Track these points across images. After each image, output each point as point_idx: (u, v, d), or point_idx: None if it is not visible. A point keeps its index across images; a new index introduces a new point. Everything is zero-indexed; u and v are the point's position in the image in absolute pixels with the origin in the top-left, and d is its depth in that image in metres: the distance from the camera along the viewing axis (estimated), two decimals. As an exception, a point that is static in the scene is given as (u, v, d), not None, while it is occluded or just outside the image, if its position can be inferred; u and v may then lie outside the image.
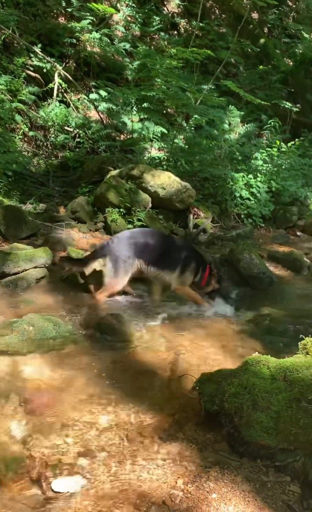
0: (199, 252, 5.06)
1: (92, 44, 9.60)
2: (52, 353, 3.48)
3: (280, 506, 2.10)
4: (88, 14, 9.41)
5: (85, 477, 2.23)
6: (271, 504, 2.10)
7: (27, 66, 8.43)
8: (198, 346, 3.86)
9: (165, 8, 13.10)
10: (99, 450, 2.43)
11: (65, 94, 8.81)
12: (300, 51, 13.87)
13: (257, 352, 2.92)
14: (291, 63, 14.02)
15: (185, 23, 13.22)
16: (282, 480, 2.26)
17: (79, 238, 5.94)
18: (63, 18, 10.24)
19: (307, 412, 2.30)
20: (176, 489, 2.15)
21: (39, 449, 2.40)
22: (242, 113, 11.23)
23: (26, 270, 4.76)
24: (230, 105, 10.91)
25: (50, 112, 8.30)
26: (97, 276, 4.72)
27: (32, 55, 8.59)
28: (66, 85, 8.67)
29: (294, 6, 16.48)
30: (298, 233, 8.50)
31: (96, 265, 4.67)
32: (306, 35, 15.20)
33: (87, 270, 4.68)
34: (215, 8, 14.50)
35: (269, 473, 2.30)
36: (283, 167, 9.25)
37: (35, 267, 4.84)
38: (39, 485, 2.17)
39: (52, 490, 2.14)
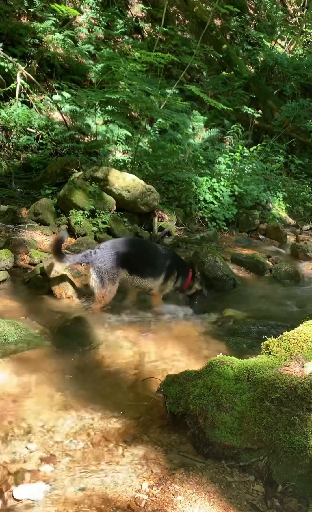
0: (180, 258, 5.16)
1: (55, 45, 9.52)
2: (14, 357, 3.39)
3: (245, 506, 2.11)
4: (51, 14, 9.32)
5: (48, 483, 2.18)
6: (235, 504, 2.11)
7: (-13, 66, 8.26)
8: (163, 349, 3.86)
9: (129, 12, 13.14)
10: (63, 456, 2.38)
11: (27, 95, 8.67)
12: (261, 59, 14.21)
13: (221, 353, 2.95)
14: (253, 70, 14.32)
15: (148, 27, 13.29)
16: (246, 480, 2.28)
17: (42, 241, 5.84)
18: (25, 18, 10.11)
19: (270, 411, 2.32)
20: (141, 493, 2.13)
21: (0, 456, 2.33)
22: (205, 118, 11.38)
23: (-14, 273, 4.65)
24: (194, 110, 11.05)
25: (12, 112, 8.14)
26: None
27: (-7, 55, 8.42)
28: (29, 85, 8.54)
29: (255, 14, 16.87)
30: (260, 237, 8.67)
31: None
32: (267, 43, 15.57)
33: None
34: (179, 14, 14.66)
35: (234, 473, 2.31)
36: (246, 171, 9.42)
37: (-4, 270, 4.74)
38: (-1, 494, 2.10)
39: (14, 498, 2.07)
